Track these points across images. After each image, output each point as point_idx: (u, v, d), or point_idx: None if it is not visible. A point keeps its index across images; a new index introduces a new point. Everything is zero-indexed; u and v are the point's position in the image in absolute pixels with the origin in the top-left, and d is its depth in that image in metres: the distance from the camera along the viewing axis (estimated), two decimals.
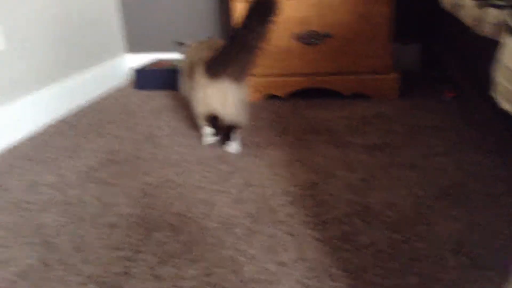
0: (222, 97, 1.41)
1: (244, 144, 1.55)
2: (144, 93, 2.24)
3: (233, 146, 1.51)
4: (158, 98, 2.14)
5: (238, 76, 1.39)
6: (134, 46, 2.57)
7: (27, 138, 1.74)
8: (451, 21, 1.84)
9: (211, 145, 1.56)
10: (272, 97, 2.02)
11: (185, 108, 1.96)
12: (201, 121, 1.51)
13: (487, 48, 1.02)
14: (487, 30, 0.98)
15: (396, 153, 1.41)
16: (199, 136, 1.65)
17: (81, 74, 2.16)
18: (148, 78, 2.28)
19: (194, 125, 1.75)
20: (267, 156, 1.45)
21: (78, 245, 1.06)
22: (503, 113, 1.15)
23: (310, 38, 1.88)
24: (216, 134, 1.51)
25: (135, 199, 1.25)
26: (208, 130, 1.54)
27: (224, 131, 1.48)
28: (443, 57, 2.03)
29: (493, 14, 0.96)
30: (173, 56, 2.50)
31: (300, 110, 1.85)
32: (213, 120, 1.46)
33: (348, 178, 1.28)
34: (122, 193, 1.28)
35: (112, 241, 1.07)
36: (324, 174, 1.32)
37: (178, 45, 1.84)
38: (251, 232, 1.07)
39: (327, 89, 1.95)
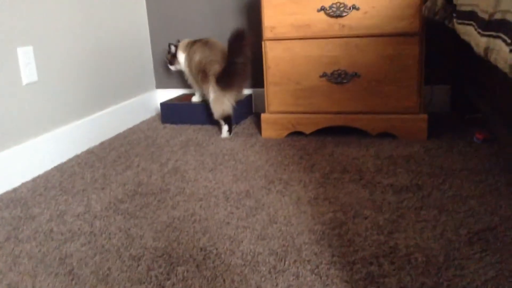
0: (229, 102, 2.07)
1: (270, 181, 1.55)
2: (172, 127, 2.28)
3: (227, 132, 2.09)
4: (185, 133, 2.16)
5: (239, 87, 2.09)
6: (161, 82, 2.63)
7: (56, 168, 1.78)
8: (482, 63, 1.83)
9: (238, 180, 1.56)
10: (298, 134, 2.02)
11: (211, 143, 1.98)
12: (219, 118, 2.10)
13: None
14: None
15: (426, 195, 1.38)
16: (226, 171, 1.65)
17: (112, 108, 2.21)
18: (173, 112, 2.32)
19: (221, 161, 1.76)
20: (294, 193, 1.44)
21: (102, 277, 1.06)
22: None
23: (338, 77, 1.90)
24: (229, 130, 2.09)
25: (161, 232, 1.25)
26: (225, 127, 2.08)
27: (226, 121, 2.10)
28: (473, 100, 2.01)
29: None
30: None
31: (327, 147, 1.84)
32: (228, 119, 2.08)
33: (376, 218, 1.26)
34: (148, 226, 1.29)
35: (136, 274, 1.06)
36: (352, 213, 1.30)
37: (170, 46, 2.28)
38: (276, 271, 1.05)
39: (353, 127, 1.94)
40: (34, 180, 1.67)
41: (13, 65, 1.64)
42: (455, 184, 1.44)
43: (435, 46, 2.24)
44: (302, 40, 1.91)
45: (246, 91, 2.50)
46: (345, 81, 1.90)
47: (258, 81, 2.48)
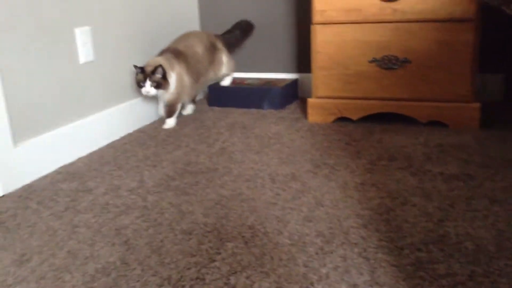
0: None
1: (316, 165, 1.56)
2: (218, 109, 2.31)
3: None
4: (231, 115, 2.19)
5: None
6: None
7: (110, 145, 1.85)
8: None
9: (283, 163, 1.58)
10: (345, 119, 2.01)
11: (257, 126, 2.00)
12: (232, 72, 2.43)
13: None
14: None
15: (477, 185, 1.36)
16: (272, 154, 1.67)
17: None
18: (220, 95, 2.36)
19: (266, 144, 1.78)
20: (340, 178, 1.45)
21: (156, 248, 1.11)
22: None
23: (388, 63, 1.87)
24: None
25: (210, 209, 1.29)
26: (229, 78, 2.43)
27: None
28: None
29: None
30: (247, 75, 2.57)
31: (374, 134, 1.83)
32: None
33: (425, 206, 1.25)
34: (197, 203, 1.33)
35: (187, 247, 1.11)
36: (400, 200, 1.29)
37: (136, 68, 1.95)
38: (323, 252, 1.07)
39: (402, 114, 1.92)
40: (89, 155, 1.74)
41: (71, 44, 1.70)
42: (507, 175, 1.41)
43: (490, 32, 2.16)
44: (352, 24, 1.89)
45: (292, 76, 2.50)
46: (395, 66, 1.87)
47: (304, 66, 2.47)
